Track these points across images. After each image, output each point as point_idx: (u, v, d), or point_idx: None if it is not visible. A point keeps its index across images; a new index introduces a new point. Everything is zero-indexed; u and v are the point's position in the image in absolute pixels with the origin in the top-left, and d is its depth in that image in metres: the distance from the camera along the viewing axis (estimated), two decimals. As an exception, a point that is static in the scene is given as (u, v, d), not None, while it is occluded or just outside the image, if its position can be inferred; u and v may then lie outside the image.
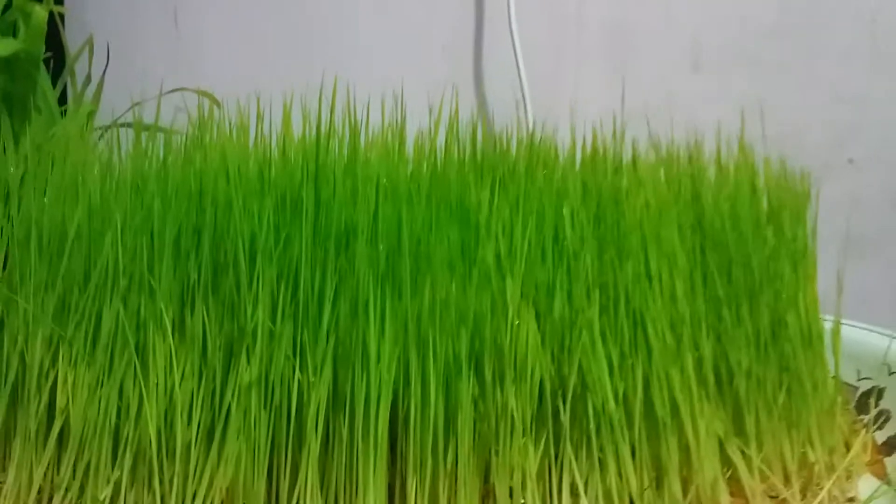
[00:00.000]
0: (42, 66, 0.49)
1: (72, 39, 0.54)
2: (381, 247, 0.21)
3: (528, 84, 0.66)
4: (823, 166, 0.64)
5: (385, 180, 0.21)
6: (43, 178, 0.27)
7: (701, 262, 0.25)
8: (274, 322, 0.21)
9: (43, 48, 0.48)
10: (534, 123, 0.66)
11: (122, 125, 0.56)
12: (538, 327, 0.22)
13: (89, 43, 0.51)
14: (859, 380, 0.36)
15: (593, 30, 0.67)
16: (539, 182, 0.26)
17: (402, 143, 0.27)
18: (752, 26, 0.64)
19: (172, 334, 0.22)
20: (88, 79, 0.50)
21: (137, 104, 0.57)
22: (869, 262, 0.63)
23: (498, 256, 0.23)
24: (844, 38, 0.63)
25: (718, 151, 0.30)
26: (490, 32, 0.69)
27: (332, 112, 0.24)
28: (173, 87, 0.60)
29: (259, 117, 0.26)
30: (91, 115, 0.52)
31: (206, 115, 0.26)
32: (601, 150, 0.31)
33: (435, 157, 0.27)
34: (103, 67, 0.53)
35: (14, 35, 0.49)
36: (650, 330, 0.23)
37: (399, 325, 0.21)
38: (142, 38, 0.72)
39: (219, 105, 0.61)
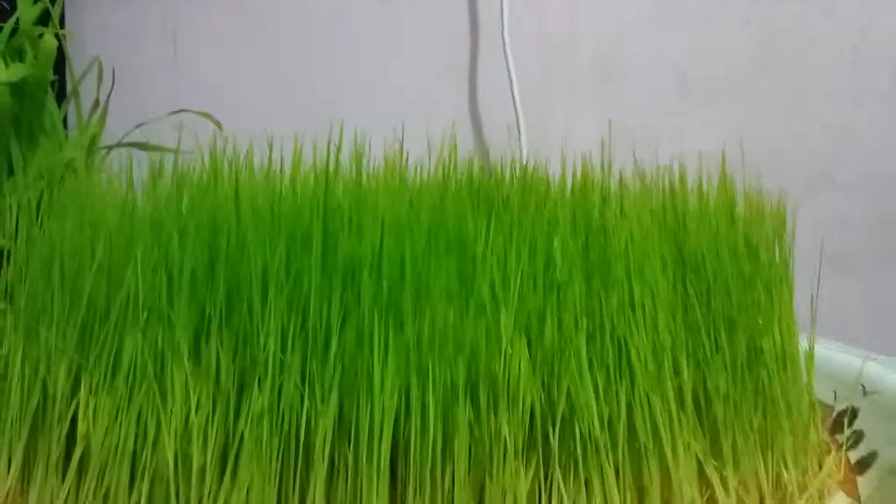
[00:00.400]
0: (49, 90, 0.51)
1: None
2: (384, 283, 0.23)
3: (522, 111, 0.68)
4: (808, 188, 0.67)
5: (387, 215, 0.23)
6: (62, 211, 0.28)
7: (682, 291, 0.27)
8: (284, 352, 0.23)
9: (51, 73, 0.49)
10: (527, 151, 0.68)
11: (126, 145, 0.57)
12: (529, 355, 0.24)
13: (98, 67, 0.52)
14: (836, 400, 0.37)
15: (584, 61, 0.70)
16: (531, 213, 0.28)
17: (403, 176, 0.29)
18: (737, 57, 0.67)
19: (188, 364, 0.23)
20: (97, 102, 0.52)
21: (141, 125, 0.58)
22: (851, 281, 0.65)
23: (492, 286, 0.24)
24: (828, 68, 0.66)
25: (700, 182, 0.32)
26: (484, 62, 0.72)
27: (338, 151, 0.26)
28: (171, 109, 0.62)
29: (269, 148, 0.28)
30: (95, 137, 0.54)
31: (218, 147, 0.28)
32: (590, 181, 0.33)
33: (434, 188, 0.29)
34: (104, 91, 0.54)
35: (21, 59, 0.50)
36: (633, 356, 0.25)
37: (401, 355, 0.23)
38: (140, 64, 0.74)
39: (220, 127, 0.63)
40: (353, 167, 0.27)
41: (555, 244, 0.26)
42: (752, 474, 0.27)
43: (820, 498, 0.29)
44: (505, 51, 0.69)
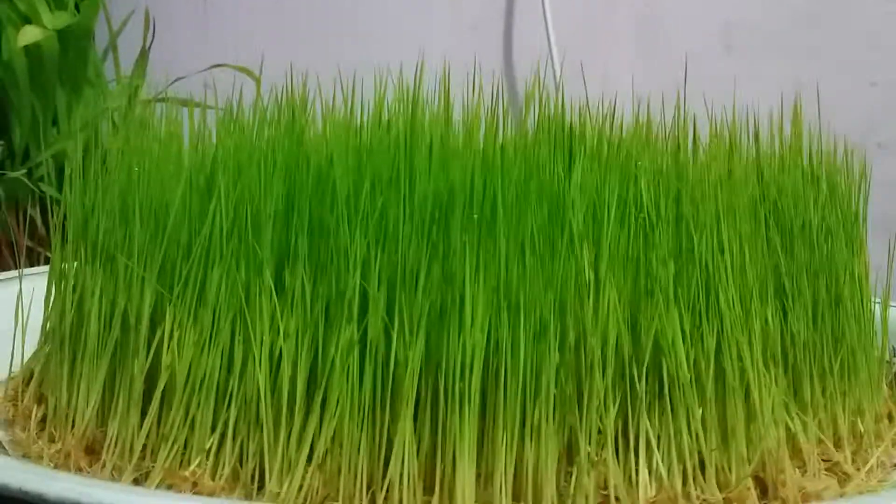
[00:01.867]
0: (92, 40, 0.50)
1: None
2: (475, 215, 0.22)
3: (560, 69, 0.66)
4: (855, 151, 0.66)
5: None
6: (132, 149, 0.28)
7: (766, 237, 0.27)
8: (370, 286, 0.23)
9: (96, 21, 0.49)
10: (570, 103, 0.67)
11: (167, 100, 0.57)
12: (618, 295, 0.24)
13: (145, 17, 0.52)
14: (893, 356, 0.37)
15: (625, 16, 0.68)
16: (612, 157, 0.28)
17: (476, 119, 0.28)
18: (783, 10, 0.65)
19: (275, 294, 0.23)
20: (143, 52, 0.51)
21: (180, 79, 0.58)
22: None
23: (580, 227, 0.24)
24: (875, 22, 0.64)
25: (772, 132, 0.32)
26: (521, 14, 0.70)
27: (419, 85, 0.25)
28: (202, 63, 0.61)
29: (352, 93, 0.27)
30: (138, 89, 0.53)
31: (297, 92, 0.27)
32: (657, 128, 0.32)
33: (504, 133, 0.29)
34: (145, 38, 0.54)
35: (62, 8, 0.50)
36: (721, 299, 0.24)
37: (490, 291, 0.23)
38: (170, 14, 0.73)
39: (257, 80, 0.62)
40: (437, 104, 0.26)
41: (641, 185, 0.25)
42: (829, 420, 0.27)
43: (893, 446, 0.28)
44: (543, 4, 0.67)
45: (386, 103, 0.27)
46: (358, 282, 0.23)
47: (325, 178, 0.24)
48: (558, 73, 0.67)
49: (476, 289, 0.23)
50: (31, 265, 0.49)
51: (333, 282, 0.23)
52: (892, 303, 0.38)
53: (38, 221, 0.47)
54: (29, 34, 0.41)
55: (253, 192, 0.24)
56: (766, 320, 0.25)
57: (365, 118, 0.27)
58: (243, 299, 0.23)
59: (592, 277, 0.24)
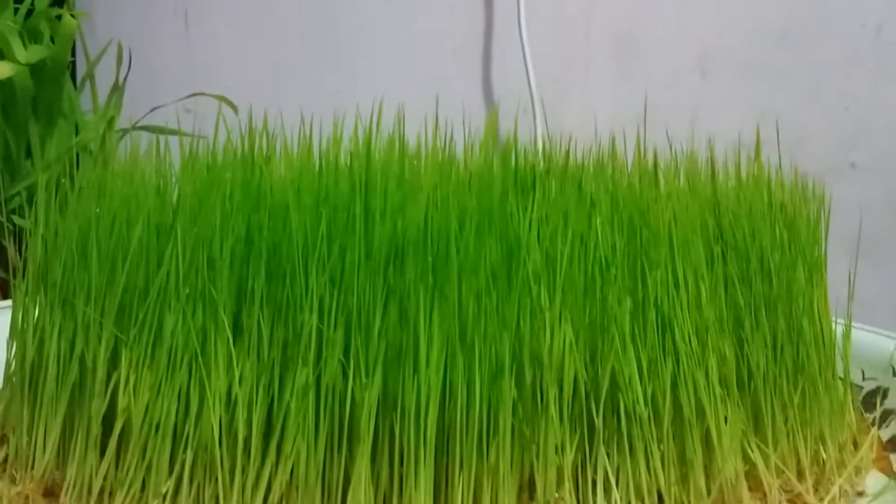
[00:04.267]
0: (66, 72, 0.50)
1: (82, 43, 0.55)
2: (429, 258, 0.23)
3: (538, 90, 0.67)
4: (828, 170, 0.67)
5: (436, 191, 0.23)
6: (94, 187, 0.28)
7: (723, 269, 0.27)
8: (326, 328, 0.23)
9: (69, 54, 0.49)
10: (546, 128, 0.68)
11: (142, 128, 0.57)
12: (573, 333, 0.24)
13: (118, 50, 0.52)
14: (864, 380, 0.37)
15: (602, 36, 0.69)
16: (569, 192, 0.28)
17: (440, 154, 0.28)
18: (759, 34, 0.66)
19: (231, 337, 0.23)
20: (117, 85, 0.51)
21: (157, 108, 0.58)
22: (870, 266, 0.65)
23: (535, 265, 0.24)
24: (850, 46, 0.65)
25: (738, 162, 0.32)
26: (500, 37, 0.71)
27: (378, 127, 0.26)
28: (184, 90, 0.62)
29: (301, 125, 0.27)
30: (113, 120, 0.53)
31: (255, 126, 0.27)
32: (622, 159, 0.32)
33: (469, 166, 0.29)
34: (118, 71, 0.54)
35: (37, 41, 0.50)
36: (678, 335, 0.25)
37: (446, 332, 0.23)
38: (153, 42, 0.73)
39: (235, 110, 0.63)
40: (393, 143, 0.26)
41: (596, 223, 0.25)
42: (791, 451, 0.27)
43: (857, 474, 0.29)
44: (520, 28, 0.68)
45: (345, 142, 0.28)
46: (315, 324, 0.23)
47: (282, 220, 0.24)
48: (536, 96, 0.68)
49: (431, 330, 0.23)
50: (5, 297, 0.49)
51: (290, 324, 0.23)
52: (856, 324, 0.38)
53: (12, 253, 0.47)
54: (0, 70, 0.41)
55: (210, 235, 0.24)
56: (724, 354, 0.26)
57: (324, 159, 0.27)
58: (199, 342, 0.23)
59: (548, 316, 0.24)
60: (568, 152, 0.32)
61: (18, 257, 0.49)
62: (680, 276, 0.25)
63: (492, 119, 0.30)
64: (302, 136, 0.30)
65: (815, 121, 0.66)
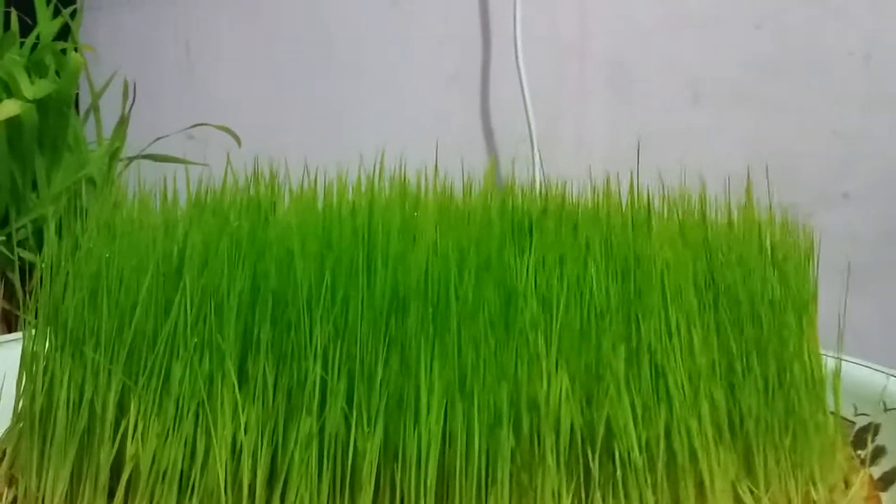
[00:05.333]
0: (72, 106, 0.51)
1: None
2: (430, 309, 0.23)
3: (534, 117, 0.68)
4: (819, 200, 0.68)
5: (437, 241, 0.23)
6: (104, 229, 0.29)
7: (714, 315, 0.28)
8: (330, 377, 0.24)
9: (75, 88, 0.50)
10: (539, 157, 0.69)
11: (145, 157, 0.58)
12: (569, 381, 0.25)
13: (123, 84, 0.53)
14: (856, 415, 0.38)
15: (596, 66, 0.70)
16: (564, 237, 0.29)
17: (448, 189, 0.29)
18: (749, 63, 0.67)
19: (237, 387, 0.24)
20: (123, 118, 0.52)
21: (161, 138, 0.59)
22: (862, 296, 0.66)
23: (532, 314, 0.25)
24: (840, 76, 0.66)
25: (729, 203, 0.33)
26: (496, 67, 0.72)
27: (380, 177, 0.26)
28: (186, 120, 0.63)
29: (305, 173, 0.28)
30: (117, 151, 0.54)
31: (264, 176, 0.28)
32: (616, 202, 0.33)
33: (466, 210, 0.30)
34: (124, 105, 0.55)
35: (42, 74, 0.51)
36: (671, 382, 0.25)
37: (446, 380, 0.23)
38: (155, 72, 0.74)
39: (238, 140, 0.64)
40: (393, 189, 0.27)
41: (591, 271, 0.26)
42: (782, 492, 0.28)
43: (847, 515, 0.29)
44: (517, 56, 0.69)
45: (349, 191, 0.28)
46: (318, 373, 0.24)
47: (287, 268, 0.25)
48: (533, 127, 0.69)
49: (432, 379, 0.23)
50: (10, 329, 0.49)
51: (294, 372, 0.24)
52: (848, 358, 0.39)
53: (17, 285, 0.48)
54: (7, 108, 0.42)
55: (217, 284, 0.25)
56: (715, 399, 0.26)
57: (329, 202, 0.28)
58: (205, 390, 0.24)
59: (545, 363, 0.25)
60: (564, 191, 0.33)
61: (23, 291, 0.50)
62: (673, 323, 0.26)
63: (490, 164, 0.31)
64: (306, 180, 0.31)
65: (806, 150, 0.67)
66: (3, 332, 0.48)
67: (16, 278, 0.48)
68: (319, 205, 0.28)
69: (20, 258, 0.47)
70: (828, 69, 0.66)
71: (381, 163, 0.28)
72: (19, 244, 0.47)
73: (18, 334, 0.37)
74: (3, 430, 0.31)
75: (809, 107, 0.67)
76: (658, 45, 0.69)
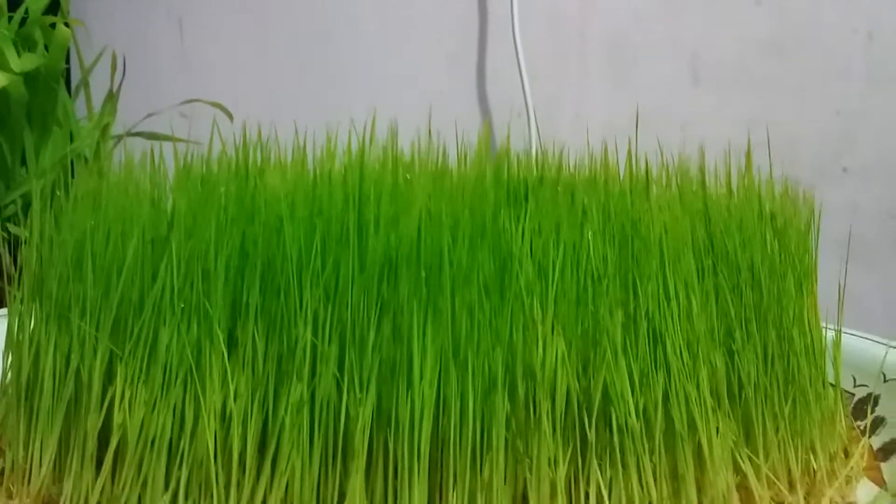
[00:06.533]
0: (61, 80, 0.50)
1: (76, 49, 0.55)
2: (422, 272, 0.23)
3: (532, 96, 0.68)
4: (820, 175, 0.67)
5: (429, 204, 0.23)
6: (91, 201, 0.28)
7: (713, 280, 0.27)
8: (321, 342, 0.23)
9: (64, 63, 0.49)
10: (537, 136, 0.68)
11: (135, 134, 0.57)
12: (566, 346, 0.24)
13: (112, 58, 0.52)
14: (855, 386, 0.37)
15: (595, 45, 0.69)
16: (561, 203, 0.28)
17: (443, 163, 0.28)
18: (749, 41, 0.66)
19: (227, 353, 0.23)
20: (111, 93, 0.51)
21: (152, 115, 0.58)
22: (862, 269, 0.65)
23: (528, 278, 0.24)
24: (841, 54, 0.65)
25: (729, 171, 0.32)
26: (494, 43, 0.71)
27: (371, 141, 0.26)
28: (178, 97, 0.62)
29: (296, 137, 0.28)
30: (107, 127, 0.53)
31: (249, 137, 0.27)
32: (614, 169, 0.32)
33: (460, 177, 0.29)
34: (112, 79, 0.54)
35: (31, 48, 0.50)
36: (669, 348, 0.25)
37: (439, 346, 0.23)
38: (147, 49, 0.73)
39: (230, 116, 0.63)
40: (387, 155, 0.26)
41: (588, 236, 0.26)
42: (782, 461, 0.27)
43: (847, 484, 0.29)
44: (514, 34, 0.68)
45: (339, 154, 0.28)
46: (309, 339, 0.23)
47: (276, 233, 0.24)
48: (529, 102, 0.68)
49: (425, 344, 0.23)
50: (0, 304, 0.49)
51: (284, 338, 0.23)
52: (847, 330, 0.38)
53: (7, 260, 0.47)
54: (-7, 80, 0.41)
55: (205, 248, 0.24)
56: (715, 365, 0.26)
57: (318, 170, 0.27)
58: (194, 357, 0.24)
59: (541, 328, 0.24)
60: (560, 161, 0.32)
61: (13, 265, 0.49)
62: (671, 288, 0.25)
63: (485, 130, 0.30)
64: (296, 146, 0.30)
65: (806, 126, 0.66)
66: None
67: (4, 253, 0.47)
68: (309, 168, 0.27)
69: (9, 233, 0.46)
70: (829, 47, 0.65)
71: (373, 128, 0.27)
72: (8, 219, 0.47)
73: (5, 309, 0.37)
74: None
75: (811, 84, 0.66)
76: (658, 23, 0.68)
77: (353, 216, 0.24)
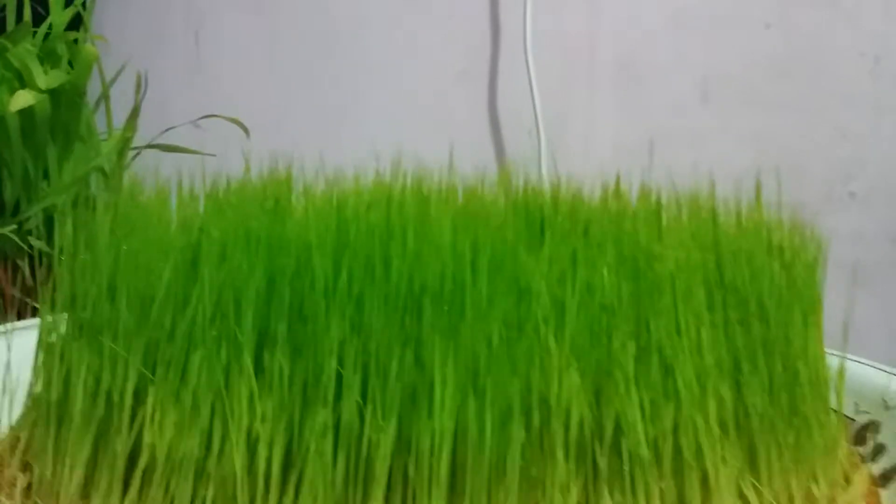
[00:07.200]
0: (84, 96, 0.52)
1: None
2: (445, 307, 0.24)
3: (542, 115, 0.69)
4: (826, 200, 0.68)
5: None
6: (122, 222, 0.29)
7: (723, 315, 0.28)
8: (345, 371, 0.24)
9: (88, 78, 0.50)
10: (546, 156, 0.69)
11: (154, 146, 0.58)
12: (580, 378, 0.25)
13: (137, 77, 0.53)
14: (857, 413, 0.38)
15: (605, 65, 0.70)
16: (577, 237, 0.29)
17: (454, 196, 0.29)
18: (758, 63, 0.67)
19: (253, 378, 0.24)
20: (136, 109, 0.52)
21: (170, 129, 0.59)
22: (866, 294, 0.66)
23: (544, 312, 0.25)
24: (848, 77, 0.66)
25: (738, 207, 0.33)
26: (505, 65, 0.72)
27: (403, 179, 0.27)
28: (195, 110, 0.63)
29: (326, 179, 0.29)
30: (128, 141, 0.54)
31: (279, 169, 0.28)
32: (627, 200, 0.33)
33: (480, 207, 0.30)
34: (137, 96, 0.55)
35: (55, 64, 0.51)
36: (679, 380, 0.26)
37: (459, 377, 0.24)
38: (164, 62, 0.74)
39: (247, 132, 0.64)
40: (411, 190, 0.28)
41: (602, 270, 0.27)
42: (784, 488, 0.28)
43: (847, 512, 0.30)
44: (526, 54, 0.69)
45: (361, 187, 0.29)
46: (334, 366, 0.24)
47: (305, 263, 0.25)
48: (540, 120, 0.69)
49: (445, 375, 0.24)
50: (20, 317, 0.50)
51: (310, 365, 0.24)
52: (851, 357, 0.39)
53: (27, 273, 0.48)
54: (20, 99, 0.42)
55: (235, 277, 0.25)
56: (722, 397, 0.27)
57: (344, 199, 0.28)
58: (223, 381, 0.25)
59: (556, 360, 0.25)
60: (573, 191, 0.33)
61: (33, 279, 0.50)
62: (682, 322, 0.26)
63: (505, 172, 0.31)
64: (321, 174, 0.31)
65: (813, 150, 0.67)
66: (14, 320, 0.48)
67: (25, 266, 0.49)
68: (334, 201, 0.29)
69: (30, 247, 0.47)
70: (837, 70, 0.66)
71: (396, 161, 0.28)
72: (29, 233, 0.48)
73: (31, 321, 0.38)
74: (17, 416, 0.31)
75: (818, 108, 0.67)
76: (667, 44, 0.69)
77: (379, 250, 0.25)
